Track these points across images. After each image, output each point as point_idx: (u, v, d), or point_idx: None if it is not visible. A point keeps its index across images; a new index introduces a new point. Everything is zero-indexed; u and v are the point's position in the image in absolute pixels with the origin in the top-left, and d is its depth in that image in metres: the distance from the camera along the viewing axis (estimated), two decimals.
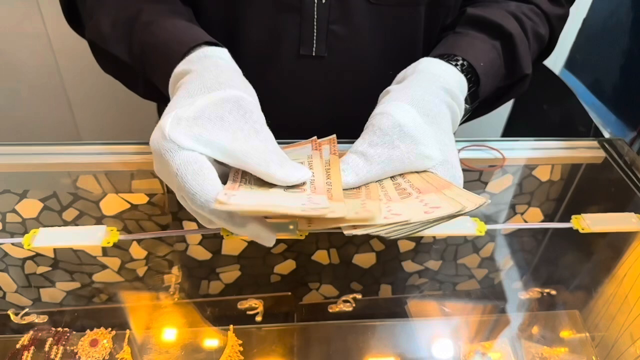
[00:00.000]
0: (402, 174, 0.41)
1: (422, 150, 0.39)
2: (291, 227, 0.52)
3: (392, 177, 0.41)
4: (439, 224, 0.35)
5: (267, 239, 0.37)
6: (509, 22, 0.52)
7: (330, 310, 0.54)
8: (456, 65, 0.47)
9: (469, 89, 0.48)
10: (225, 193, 0.33)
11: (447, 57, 0.48)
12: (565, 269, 0.61)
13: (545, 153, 0.61)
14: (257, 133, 0.37)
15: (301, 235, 0.51)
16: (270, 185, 0.37)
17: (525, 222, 0.63)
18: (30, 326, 0.49)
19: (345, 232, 0.33)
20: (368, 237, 0.60)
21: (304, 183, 0.37)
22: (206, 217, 0.35)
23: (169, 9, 0.49)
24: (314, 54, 0.54)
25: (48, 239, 0.45)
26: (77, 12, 0.56)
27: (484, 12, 0.53)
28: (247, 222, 0.35)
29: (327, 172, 0.40)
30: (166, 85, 0.44)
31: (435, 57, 0.48)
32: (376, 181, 0.41)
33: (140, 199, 0.57)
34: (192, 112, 0.36)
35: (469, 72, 0.48)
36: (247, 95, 0.39)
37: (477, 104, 0.52)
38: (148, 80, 0.49)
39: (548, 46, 0.60)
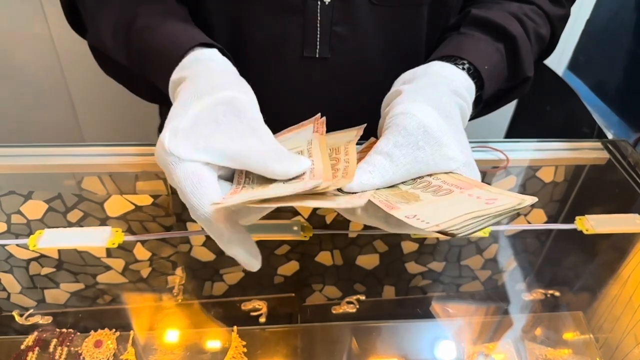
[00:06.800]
0: (430, 174, 0.40)
1: (446, 152, 0.39)
2: (295, 228, 0.52)
3: (417, 179, 0.40)
4: (504, 217, 0.33)
5: (248, 262, 0.37)
6: (512, 24, 0.52)
7: (334, 312, 0.54)
8: (463, 69, 0.47)
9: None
10: (223, 197, 0.34)
11: (454, 60, 0.48)
12: (569, 270, 0.61)
13: (548, 154, 0.61)
14: (254, 131, 0.37)
15: (305, 236, 0.51)
16: (271, 181, 0.37)
17: (529, 223, 0.63)
18: (34, 327, 0.49)
19: (421, 227, 0.31)
20: (372, 238, 0.60)
21: (303, 173, 0.37)
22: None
23: (162, 9, 0.49)
24: (317, 56, 0.54)
25: (53, 240, 0.45)
26: (78, 14, 0.56)
27: (488, 13, 0.53)
28: (232, 242, 0.36)
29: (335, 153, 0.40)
30: (167, 92, 0.44)
31: (441, 57, 0.48)
32: (398, 184, 0.39)
33: (145, 200, 0.57)
34: (187, 122, 0.36)
35: (475, 77, 0.48)
36: (240, 94, 0.39)
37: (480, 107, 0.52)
38: (151, 84, 0.49)
39: (549, 46, 0.60)
